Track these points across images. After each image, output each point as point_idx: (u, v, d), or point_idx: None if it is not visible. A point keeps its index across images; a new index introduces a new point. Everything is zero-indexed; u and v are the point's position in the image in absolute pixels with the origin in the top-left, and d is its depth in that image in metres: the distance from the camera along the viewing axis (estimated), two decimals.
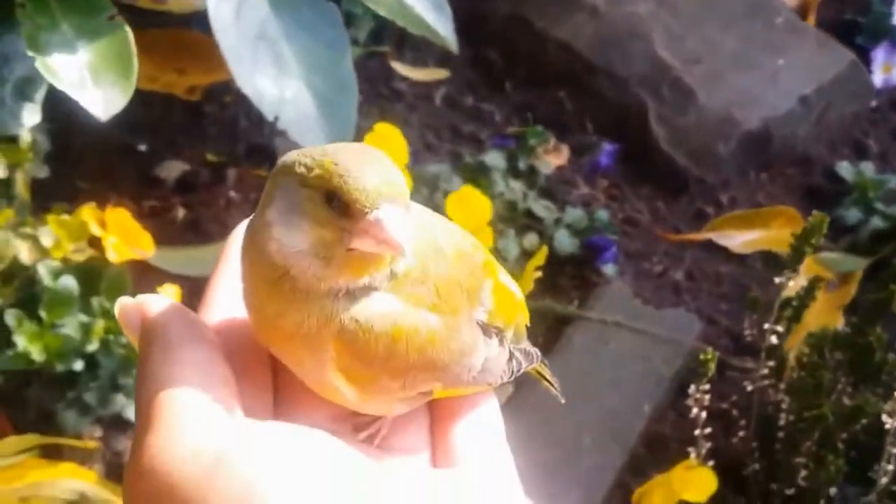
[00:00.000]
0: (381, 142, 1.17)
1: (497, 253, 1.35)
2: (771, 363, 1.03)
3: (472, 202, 1.20)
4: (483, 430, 0.37)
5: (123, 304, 0.35)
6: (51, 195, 1.28)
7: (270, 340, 0.34)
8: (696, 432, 1.00)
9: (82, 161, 1.43)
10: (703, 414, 0.99)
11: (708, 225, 1.51)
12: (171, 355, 0.32)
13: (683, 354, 1.29)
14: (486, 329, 0.36)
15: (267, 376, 0.35)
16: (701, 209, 1.55)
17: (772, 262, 1.45)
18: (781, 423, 1.06)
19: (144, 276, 1.16)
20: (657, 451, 1.23)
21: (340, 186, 0.31)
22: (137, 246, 1.15)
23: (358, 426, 0.36)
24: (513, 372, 0.39)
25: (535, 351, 0.42)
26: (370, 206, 0.31)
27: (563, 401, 0.47)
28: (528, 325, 0.42)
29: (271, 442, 0.31)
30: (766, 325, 1.01)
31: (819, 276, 1.02)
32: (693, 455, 1.01)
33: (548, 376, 0.46)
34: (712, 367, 0.93)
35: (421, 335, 0.33)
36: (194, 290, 1.29)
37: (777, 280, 0.98)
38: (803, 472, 1.03)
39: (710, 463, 1.01)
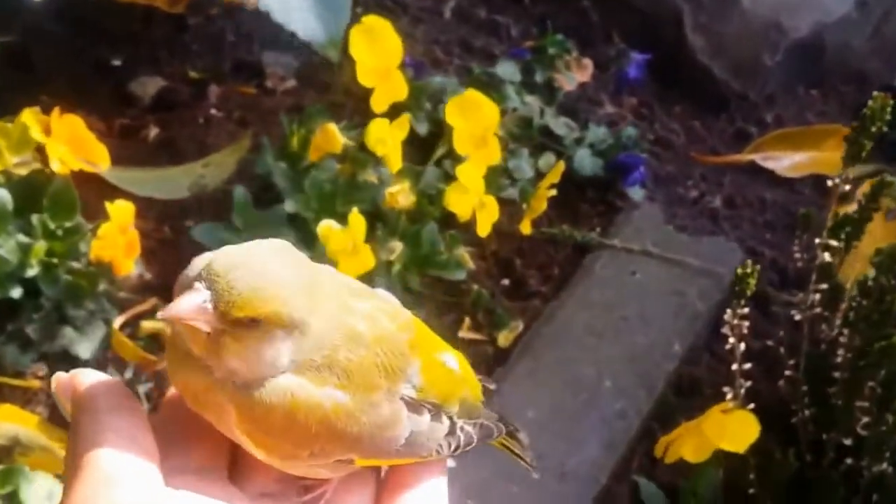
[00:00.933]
0: (370, 36, 1.01)
1: (507, 173, 1.19)
2: (824, 286, 0.86)
3: (475, 108, 1.03)
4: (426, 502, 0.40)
5: (59, 378, 0.37)
6: (9, 111, 1.14)
7: (189, 404, 0.37)
8: (734, 367, 0.83)
9: (50, 75, 1.28)
10: (742, 346, 0.83)
11: (751, 146, 1.33)
12: (98, 423, 0.35)
13: (722, 288, 1.12)
14: (413, 405, 0.39)
15: (222, 441, 0.37)
16: (742, 129, 1.37)
17: (823, 188, 1.27)
18: (838, 359, 0.89)
19: (96, 194, 1.01)
20: (689, 396, 1.07)
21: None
22: (89, 158, 1.00)
23: (305, 489, 0.39)
24: (458, 446, 0.41)
25: (498, 425, 0.43)
26: (191, 279, 0.34)
27: (535, 475, 0.48)
28: (483, 400, 0.43)
29: None
30: (818, 240, 0.84)
31: (884, 181, 0.85)
32: (730, 396, 0.85)
33: (517, 449, 0.46)
34: (752, 284, 0.77)
35: (324, 408, 0.36)
36: (154, 212, 1.14)
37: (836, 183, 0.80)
38: (864, 419, 0.86)
39: (751, 406, 0.85)
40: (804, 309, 0.89)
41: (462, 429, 0.41)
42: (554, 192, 1.09)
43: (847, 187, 0.83)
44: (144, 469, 0.35)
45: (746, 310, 0.81)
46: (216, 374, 0.35)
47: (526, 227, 1.10)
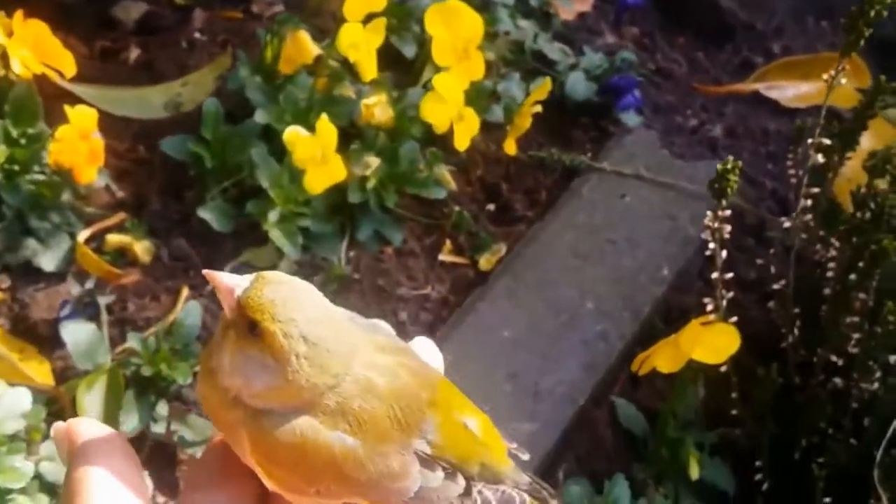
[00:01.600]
0: None
1: (496, 96, 1.14)
2: (816, 190, 0.81)
3: (456, 17, 0.99)
4: None
5: (56, 426, 0.39)
6: None
7: (218, 427, 0.39)
8: (714, 275, 0.78)
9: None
10: (724, 253, 0.78)
11: (755, 74, 1.28)
12: (91, 465, 0.37)
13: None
14: (427, 461, 0.40)
15: (254, 479, 0.39)
16: (748, 59, 1.31)
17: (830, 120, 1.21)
18: (830, 276, 0.84)
19: (59, 101, 0.97)
20: (677, 323, 1.01)
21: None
22: (54, 65, 0.96)
23: None
24: None
25: (521, 495, 0.43)
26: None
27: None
28: (510, 466, 0.43)
29: None
30: (810, 140, 0.79)
31: (881, 83, 0.79)
32: (711, 307, 0.80)
33: None
34: (734, 182, 0.72)
35: (332, 450, 0.37)
36: (130, 132, 1.10)
37: None
38: (855, 336, 0.81)
39: (733, 320, 0.80)
40: (794, 218, 0.83)
41: (480, 493, 0.42)
42: (539, 108, 1.04)
43: (843, 80, 0.77)
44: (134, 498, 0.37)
45: (728, 212, 0.76)
46: (223, 381, 0.37)
47: (510, 147, 1.06)
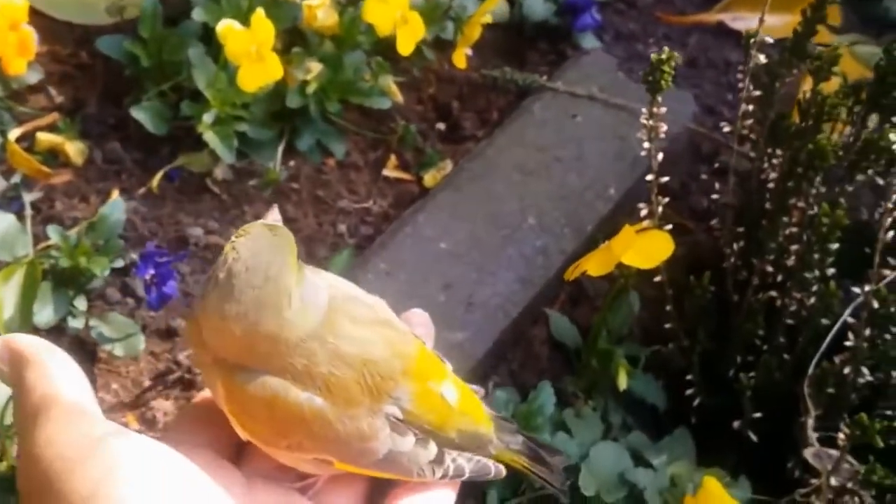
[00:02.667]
0: None
1: (451, 12, 1.11)
2: (751, 107, 0.78)
3: None
4: None
5: None
6: None
7: (204, 382, 0.42)
8: (649, 178, 0.76)
9: None
10: (661, 156, 0.75)
11: (720, 4, 1.25)
12: (47, 371, 0.39)
13: (670, 136, 1.04)
14: (398, 426, 0.42)
15: (232, 432, 0.41)
16: None
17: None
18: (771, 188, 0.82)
19: None
20: None
21: None
22: None
23: (300, 476, 0.43)
24: (446, 475, 0.44)
25: (497, 466, 0.45)
26: None
27: (561, 491, 0.50)
28: (490, 434, 0.46)
29: (129, 445, 0.36)
30: (753, 40, 0.76)
31: None
32: (645, 212, 0.78)
33: (543, 475, 0.48)
34: (668, 75, 0.69)
35: (301, 408, 0.39)
36: (73, 37, 1.07)
37: None
38: (793, 248, 0.79)
39: (668, 227, 0.78)
40: (735, 127, 0.81)
41: (454, 460, 0.44)
42: (489, 18, 1.01)
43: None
44: (96, 411, 0.39)
45: (664, 109, 0.73)
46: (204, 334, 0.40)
47: (460, 60, 1.03)
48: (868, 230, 0.73)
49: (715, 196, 0.90)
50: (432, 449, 0.43)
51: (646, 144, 0.74)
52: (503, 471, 0.46)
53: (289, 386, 0.39)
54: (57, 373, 0.39)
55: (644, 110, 0.72)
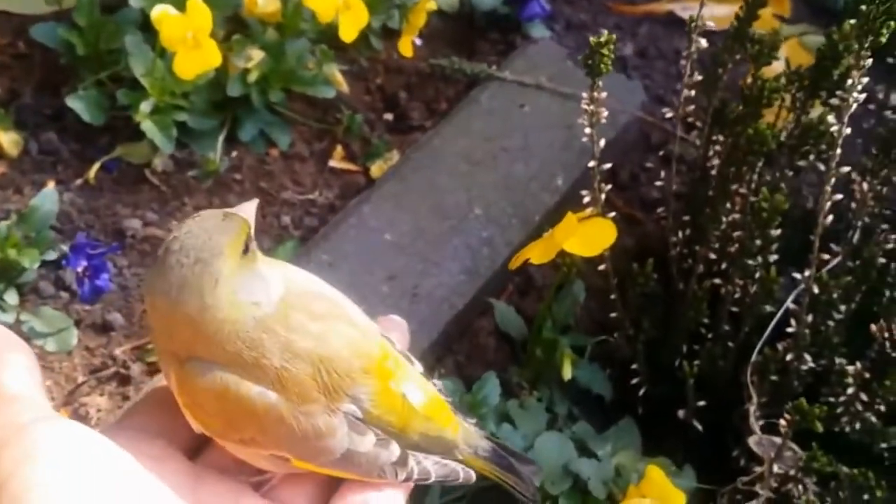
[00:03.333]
0: None
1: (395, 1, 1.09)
2: (692, 92, 0.78)
3: None
4: None
5: None
6: None
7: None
8: (591, 164, 0.75)
9: None
10: (602, 142, 0.74)
11: None
12: None
13: (618, 126, 1.04)
14: (356, 425, 0.41)
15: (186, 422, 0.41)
16: None
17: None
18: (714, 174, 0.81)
19: None
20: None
21: None
22: None
23: (257, 472, 0.42)
24: (410, 477, 0.43)
25: (466, 471, 0.45)
26: None
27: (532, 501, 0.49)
28: (455, 437, 0.45)
29: (55, 429, 0.35)
30: (695, 24, 0.76)
31: None
32: (588, 199, 0.77)
33: (511, 482, 0.47)
34: (608, 58, 0.68)
35: (253, 403, 0.38)
36: (11, 26, 1.04)
37: None
38: (736, 234, 0.78)
39: (612, 215, 0.77)
40: (676, 111, 0.80)
41: (419, 463, 0.43)
42: (434, 5, 0.99)
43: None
44: (40, 394, 0.38)
45: (605, 94, 0.72)
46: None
47: (406, 48, 1.01)
48: (812, 218, 0.73)
49: (660, 183, 0.89)
50: (394, 450, 0.42)
51: (587, 130, 0.73)
52: (472, 476, 0.45)
53: (240, 380, 0.38)
54: (3, 362, 0.38)
55: (585, 95, 0.71)
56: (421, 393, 0.44)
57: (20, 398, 0.37)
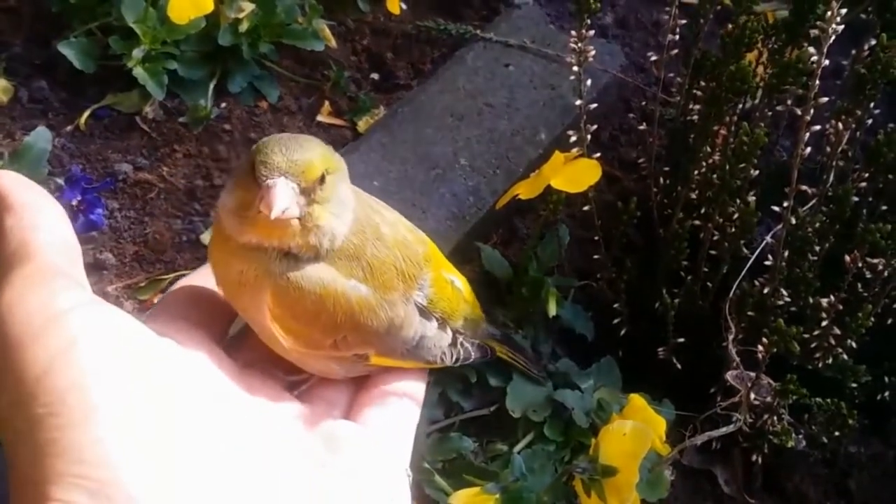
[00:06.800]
0: None
1: None
2: (675, 52, 0.80)
3: None
4: (399, 402, 0.42)
5: None
6: None
7: (224, 290, 0.40)
8: (578, 102, 0.77)
9: None
10: (589, 82, 0.77)
11: None
12: (27, 219, 0.35)
13: (599, 86, 1.06)
14: (424, 311, 0.43)
15: (226, 316, 0.41)
16: None
17: (726, 15, 1.21)
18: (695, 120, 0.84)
19: None
20: None
21: (254, 161, 0.37)
22: None
23: (289, 370, 0.42)
24: (459, 358, 0.46)
25: (493, 348, 0.49)
26: (267, 177, 0.37)
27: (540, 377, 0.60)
28: (484, 319, 0.49)
29: (96, 316, 0.33)
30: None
31: None
32: (574, 139, 0.79)
33: (521, 361, 0.55)
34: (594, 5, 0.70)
35: (349, 300, 0.39)
36: None
37: None
38: (715, 177, 0.81)
39: (597, 155, 0.79)
40: (659, 61, 0.83)
41: (462, 344, 0.46)
42: None
43: None
44: (74, 274, 0.35)
45: (591, 32, 0.74)
46: (241, 239, 0.39)
47: (393, 6, 1.03)
48: (788, 171, 0.75)
49: (640, 146, 0.92)
50: (450, 333, 0.45)
51: (575, 68, 0.75)
52: (492, 353, 0.49)
53: (336, 276, 0.39)
54: (39, 221, 0.35)
55: (574, 33, 0.74)
56: (460, 281, 0.47)
57: (62, 275, 0.34)
